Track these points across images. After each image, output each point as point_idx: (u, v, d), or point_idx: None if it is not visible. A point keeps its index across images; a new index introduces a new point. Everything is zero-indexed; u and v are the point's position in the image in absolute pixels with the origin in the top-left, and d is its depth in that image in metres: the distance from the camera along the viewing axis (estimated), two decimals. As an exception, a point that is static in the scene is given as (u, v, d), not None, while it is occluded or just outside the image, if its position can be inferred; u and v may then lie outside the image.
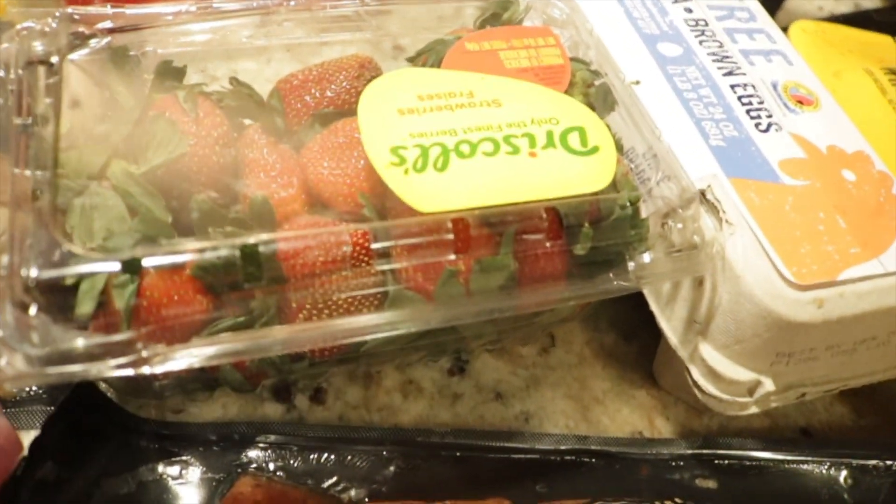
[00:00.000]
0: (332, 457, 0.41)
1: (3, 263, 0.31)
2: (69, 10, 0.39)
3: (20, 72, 0.37)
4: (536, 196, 0.35)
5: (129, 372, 0.30)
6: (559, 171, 0.36)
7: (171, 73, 0.40)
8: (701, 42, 0.50)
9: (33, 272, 0.30)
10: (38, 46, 0.38)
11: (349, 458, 0.41)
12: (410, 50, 0.46)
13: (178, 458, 0.40)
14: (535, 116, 0.38)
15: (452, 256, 0.34)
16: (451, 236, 0.34)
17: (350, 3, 0.43)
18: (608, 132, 0.39)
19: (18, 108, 0.36)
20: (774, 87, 0.48)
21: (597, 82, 0.42)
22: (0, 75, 0.37)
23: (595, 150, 0.38)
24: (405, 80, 0.39)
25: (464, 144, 0.36)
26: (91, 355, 0.30)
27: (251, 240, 0.32)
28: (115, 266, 0.31)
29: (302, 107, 0.41)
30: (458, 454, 0.42)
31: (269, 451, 0.41)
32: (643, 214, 0.39)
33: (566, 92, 0.41)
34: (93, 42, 0.39)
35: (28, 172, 0.34)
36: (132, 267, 0.31)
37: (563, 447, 0.43)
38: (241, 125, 0.41)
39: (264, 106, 0.41)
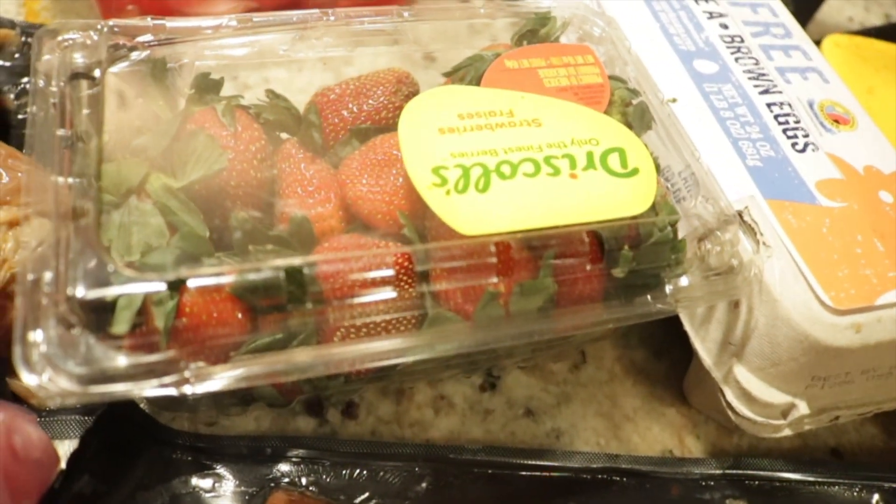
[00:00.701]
0: (365, 472, 0.41)
1: (47, 280, 0.31)
2: (110, 22, 0.39)
3: (62, 84, 0.37)
4: (577, 219, 0.35)
5: (172, 392, 0.30)
6: (600, 193, 0.36)
7: (208, 85, 0.40)
8: (737, 59, 0.49)
9: (80, 291, 0.30)
10: (79, 58, 0.38)
11: (381, 474, 0.41)
12: (441, 60, 0.46)
13: (211, 472, 0.40)
14: (576, 137, 0.38)
15: (495, 279, 0.34)
16: (494, 260, 0.34)
17: (387, 19, 0.43)
18: (648, 154, 0.38)
19: (61, 121, 0.36)
20: (811, 105, 0.48)
21: (634, 101, 0.42)
22: (40, 86, 0.37)
23: (635, 171, 0.37)
24: (445, 98, 0.39)
25: (505, 165, 0.36)
26: (134, 375, 0.30)
27: (296, 261, 0.32)
28: (162, 286, 0.31)
29: (339, 121, 0.41)
30: (489, 471, 0.42)
31: (302, 466, 0.41)
32: (679, 235, 0.39)
33: (605, 111, 0.41)
34: (133, 55, 0.39)
35: (70, 186, 0.34)
36: (175, 285, 0.32)
37: (594, 466, 0.43)
38: (278, 139, 0.41)
39: (301, 120, 0.41)
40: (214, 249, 0.35)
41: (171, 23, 0.40)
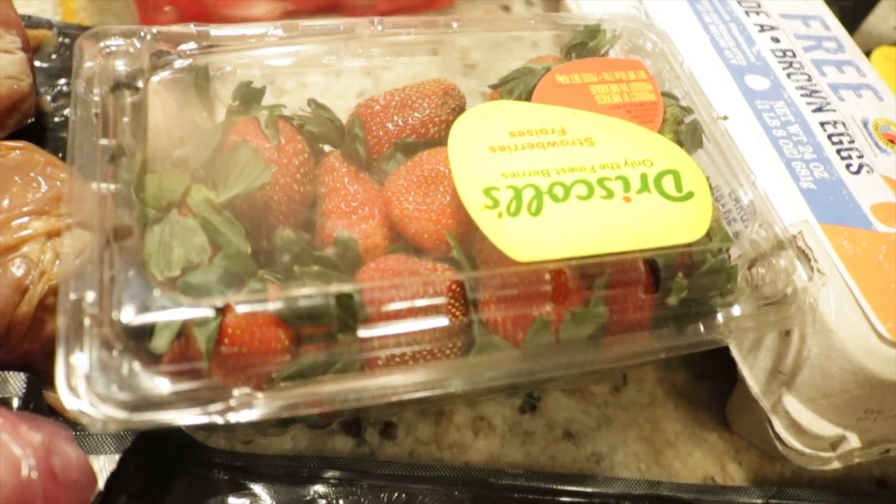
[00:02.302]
0: (403, 496, 0.40)
1: (90, 300, 0.30)
2: (153, 29, 0.38)
3: (104, 92, 0.36)
4: (631, 246, 0.34)
5: (217, 420, 0.29)
6: (654, 218, 0.35)
7: (251, 94, 0.39)
8: (789, 75, 0.48)
9: (126, 315, 0.29)
10: (121, 66, 0.37)
11: (420, 497, 0.40)
12: (481, 70, 0.44)
13: (247, 491, 0.39)
14: (629, 158, 0.37)
15: (548, 307, 0.33)
16: (548, 287, 0.33)
17: (435, 30, 0.42)
18: (703, 176, 0.37)
19: (104, 130, 0.35)
20: (865, 124, 0.47)
21: (687, 119, 0.41)
22: (81, 93, 0.36)
23: (690, 195, 0.36)
24: (495, 114, 0.38)
25: (557, 187, 0.35)
26: (178, 402, 0.29)
27: (347, 287, 0.31)
28: (209, 311, 0.30)
29: (383, 134, 0.40)
30: (530, 497, 0.41)
31: (339, 487, 0.40)
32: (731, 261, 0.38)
33: (657, 130, 0.39)
34: (176, 63, 0.38)
35: (112, 198, 0.33)
36: (220, 308, 0.31)
37: (635, 492, 0.42)
38: (321, 151, 0.40)
39: (345, 131, 0.40)
40: (256, 267, 0.34)
41: (216, 30, 0.39)
